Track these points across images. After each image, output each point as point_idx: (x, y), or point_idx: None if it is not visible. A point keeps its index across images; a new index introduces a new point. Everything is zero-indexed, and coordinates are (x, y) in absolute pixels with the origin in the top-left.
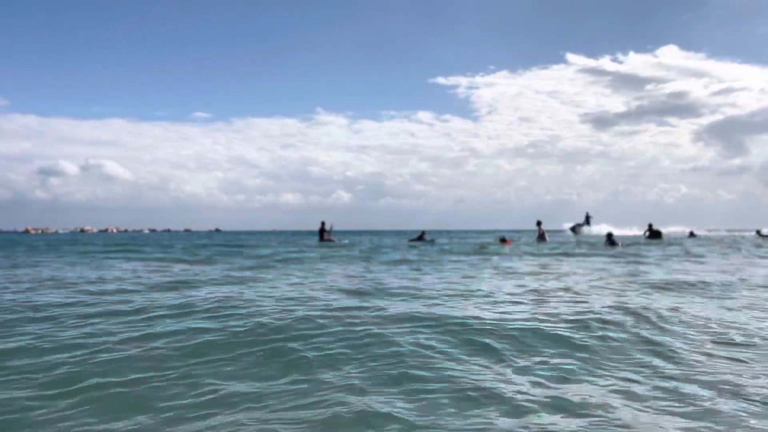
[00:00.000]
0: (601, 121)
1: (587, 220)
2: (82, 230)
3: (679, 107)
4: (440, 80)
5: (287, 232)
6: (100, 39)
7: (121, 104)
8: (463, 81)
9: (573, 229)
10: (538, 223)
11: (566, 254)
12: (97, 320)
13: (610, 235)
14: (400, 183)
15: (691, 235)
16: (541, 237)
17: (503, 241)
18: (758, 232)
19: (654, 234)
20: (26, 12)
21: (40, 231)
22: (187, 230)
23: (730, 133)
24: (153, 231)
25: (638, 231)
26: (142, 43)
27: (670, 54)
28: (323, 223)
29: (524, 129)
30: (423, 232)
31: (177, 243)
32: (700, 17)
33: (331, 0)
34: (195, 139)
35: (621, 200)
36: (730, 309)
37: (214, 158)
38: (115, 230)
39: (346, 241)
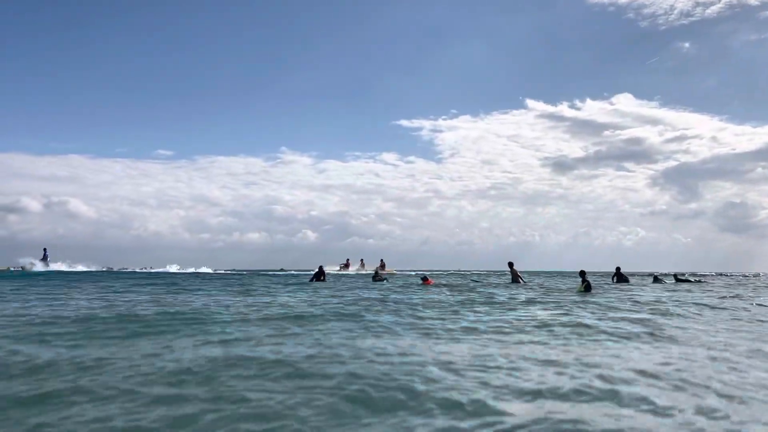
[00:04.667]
0: (561, 165)
1: (44, 257)
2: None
3: (635, 153)
4: (404, 123)
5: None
6: (58, 72)
7: (81, 140)
8: (426, 124)
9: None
10: (510, 265)
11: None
12: None
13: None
14: (365, 223)
15: (656, 280)
16: (515, 279)
17: (424, 279)
18: (656, 278)
19: (621, 278)
20: None
21: None
22: (143, 269)
23: (684, 178)
24: (110, 269)
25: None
26: (105, 79)
27: (625, 102)
28: (321, 268)
29: (486, 171)
30: (377, 272)
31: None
32: (652, 68)
33: (296, 41)
34: (156, 177)
35: (582, 242)
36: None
37: (176, 196)
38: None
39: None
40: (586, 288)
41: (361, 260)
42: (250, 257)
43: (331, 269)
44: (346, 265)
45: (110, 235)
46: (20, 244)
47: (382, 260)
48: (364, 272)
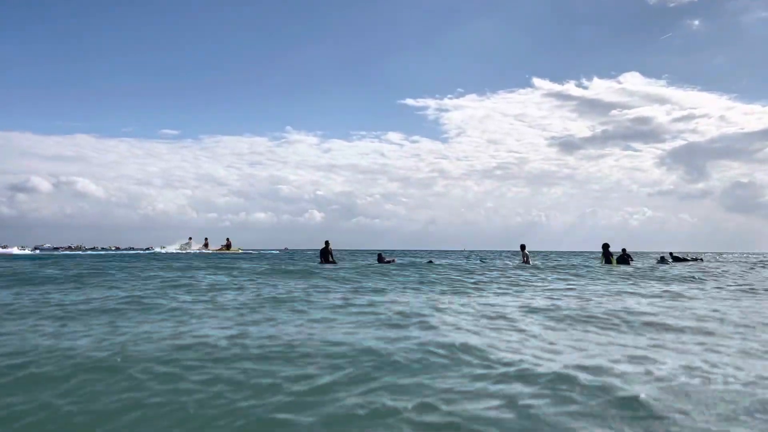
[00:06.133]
0: (568, 145)
1: None
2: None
3: (642, 132)
4: (410, 102)
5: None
6: (64, 52)
7: (86, 119)
8: (432, 103)
9: None
10: (522, 247)
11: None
12: None
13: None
14: (370, 203)
15: (662, 260)
16: (526, 261)
17: (386, 260)
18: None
19: (623, 259)
20: None
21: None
22: (148, 249)
23: (691, 158)
24: (117, 249)
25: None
26: (109, 58)
27: (632, 80)
28: (327, 243)
29: (492, 151)
30: (380, 255)
31: None
32: (660, 46)
33: (303, 21)
34: (161, 156)
35: (588, 222)
36: None
37: (181, 175)
38: (71, 248)
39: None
40: (617, 261)
41: (206, 239)
42: (258, 236)
43: (171, 248)
44: (188, 244)
45: (118, 214)
46: (30, 224)
47: (228, 239)
48: (207, 252)
